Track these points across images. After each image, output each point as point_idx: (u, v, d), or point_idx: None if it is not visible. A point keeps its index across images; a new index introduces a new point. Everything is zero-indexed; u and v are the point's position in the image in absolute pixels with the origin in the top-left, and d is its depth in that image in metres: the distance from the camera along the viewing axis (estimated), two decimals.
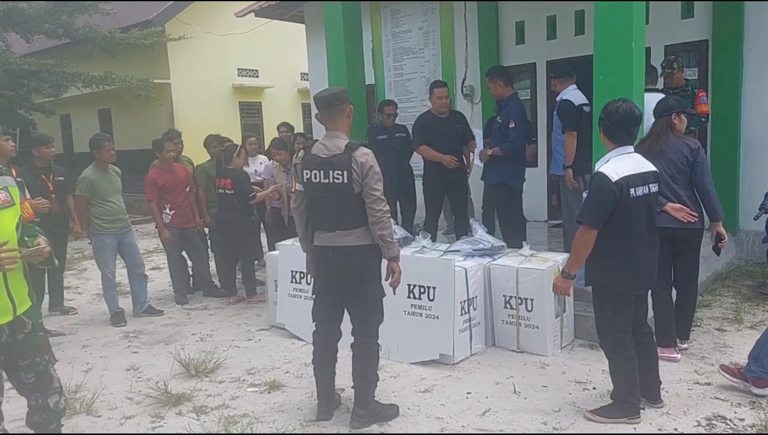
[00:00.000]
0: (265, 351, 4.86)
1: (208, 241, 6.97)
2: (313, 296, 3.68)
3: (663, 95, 4.85)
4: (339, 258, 3.42)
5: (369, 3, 9.69)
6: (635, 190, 3.21)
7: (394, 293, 4.09)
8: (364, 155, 3.34)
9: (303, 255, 4.83)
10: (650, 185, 3.30)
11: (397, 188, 6.71)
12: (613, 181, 3.15)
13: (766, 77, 6.68)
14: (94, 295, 6.92)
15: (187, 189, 6.46)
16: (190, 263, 6.76)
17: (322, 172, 3.36)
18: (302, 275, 4.97)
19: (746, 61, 6.85)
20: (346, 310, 3.61)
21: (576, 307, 4.57)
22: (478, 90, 8.81)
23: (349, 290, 3.50)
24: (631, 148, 3.39)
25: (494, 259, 4.53)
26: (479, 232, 4.71)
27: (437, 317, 4.22)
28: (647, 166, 3.35)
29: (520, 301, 4.34)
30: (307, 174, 3.42)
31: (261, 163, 7.56)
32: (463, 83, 8.95)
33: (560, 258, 4.46)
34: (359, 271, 3.44)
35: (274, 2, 10.59)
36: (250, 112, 15.98)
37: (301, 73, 16.84)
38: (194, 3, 14.22)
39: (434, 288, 4.22)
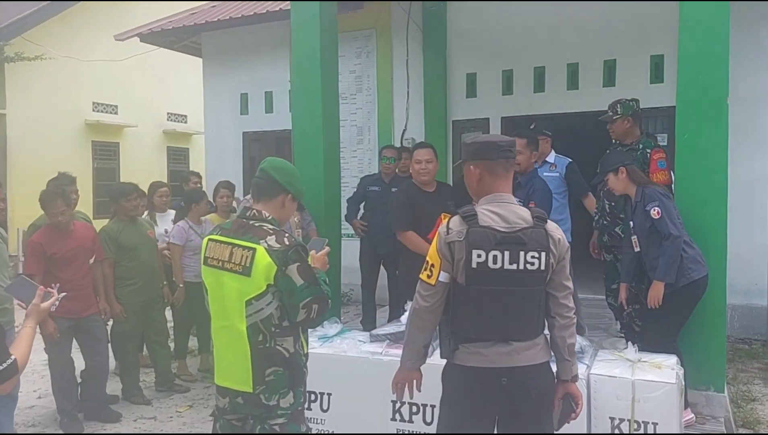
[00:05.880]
0: None
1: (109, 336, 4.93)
2: None
3: None
4: (517, 384, 2.26)
5: (289, 36, 8.43)
6: None
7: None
8: (557, 229, 2.33)
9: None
10: None
11: (383, 256, 5.45)
12: None
13: (739, 146, 6.47)
14: None
15: (91, 259, 4.55)
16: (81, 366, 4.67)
17: (507, 253, 2.23)
18: (315, 397, 3.45)
19: None
20: None
21: None
22: None
23: (522, 429, 2.34)
24: None
25: (589, 367, 3.43)
26: None
27: None
28: None
29: (636, 426, 3.25)
30: (479, 256, 2.22)
31: (172, 221, 5.86)
32: (402, 135, 7.94)
33: (672, 361, 3.49)
34: (540, 401, 2.32)
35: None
36: (106, 154, 13.59)
37: (168, 113, 14.87)
38: (50, 20, 11.83)
39: None
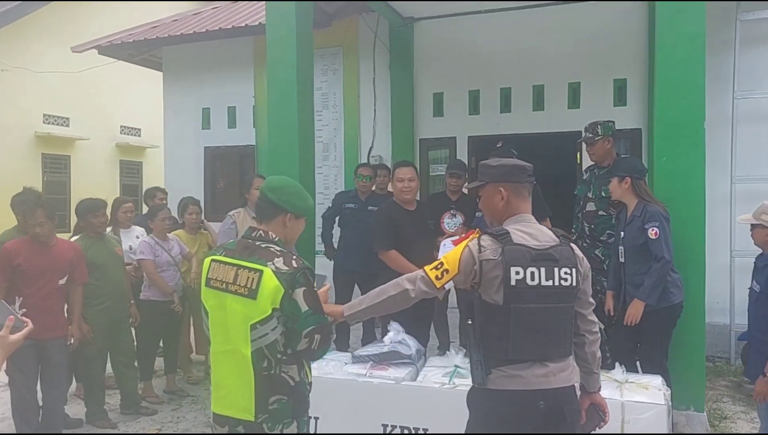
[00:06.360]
0: None
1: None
2: None
3: None
4: (554, 407, 2.21)
5: (254, 52, 8.37)
6: None
7: None
8: (578, 248, 2.37)
9: None
10: None
11: (360, 274, 5.36)
12: None
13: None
14: None
15: (62, 280, 4.21)
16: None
17: (543, 269, 2.23)
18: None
19: None
20: None
21: None
22: (388, 160, 7.83)
23: None
24: None
25: None
26: None
27: None
28: None
29: None
30: (518, 273, 2.20)
31: (137, 238, 5.66)
32: (369, 152, 7.92)
33: (658, 381, 3.52)
34: (573, 424, 2.30)
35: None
36: (56, 167, 13.05)
37: (121, 126, 14.42)
38: (0, 30, 11.35)
39: None
